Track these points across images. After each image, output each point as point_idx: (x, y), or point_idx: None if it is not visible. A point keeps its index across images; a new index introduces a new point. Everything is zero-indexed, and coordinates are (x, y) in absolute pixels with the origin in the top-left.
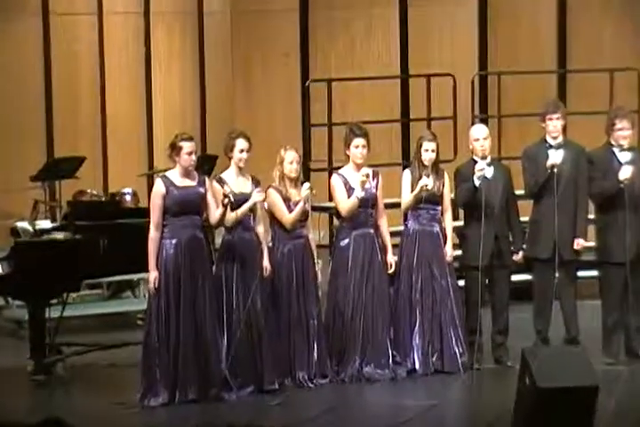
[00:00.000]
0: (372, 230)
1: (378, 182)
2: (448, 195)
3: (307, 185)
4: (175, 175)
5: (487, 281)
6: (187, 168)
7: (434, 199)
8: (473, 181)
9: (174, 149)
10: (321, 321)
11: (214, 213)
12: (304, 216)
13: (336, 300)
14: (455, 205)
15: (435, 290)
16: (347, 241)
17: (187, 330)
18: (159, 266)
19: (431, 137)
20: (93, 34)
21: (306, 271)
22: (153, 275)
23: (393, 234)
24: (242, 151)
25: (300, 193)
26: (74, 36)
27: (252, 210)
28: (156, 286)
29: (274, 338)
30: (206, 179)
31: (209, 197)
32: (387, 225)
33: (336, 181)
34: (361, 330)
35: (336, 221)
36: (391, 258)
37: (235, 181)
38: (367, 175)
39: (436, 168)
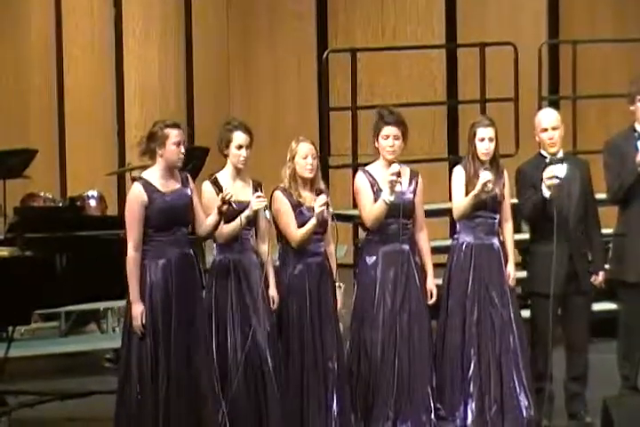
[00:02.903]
0: (406, 247)
1: (417, 186)
2: (508, 200)
3: (322, 198)
4: (155, 176)
5: (560, 312)
6: (173, 164)
7: (494, 205)
8: (541, 190)
9: (155, 139)
10: (343, 365)
11: (204, 222)
12: (322, 228)
13: (361, 336)
14: (519, 216)
15: (494, 323)
16: (374, 259)
17: (180, 381)
18: (143, 296)
19: (488, 122)
20: None
21: (323, 299)
22: (138, 309)
23: (438, 250)
24: (240, 147)
25: (314, 206)
26: None
27: (254, 222)
28: (144, 322)
29: (282, 388)
30: (188, 176)
31: (195, 201)
32: (428, 241)
33: (361, 180)
34: (394, 376)
35: (362, 234)
36: (432, 284)
37: (231, 186)
38: (398, 173)
39: (495, 164)
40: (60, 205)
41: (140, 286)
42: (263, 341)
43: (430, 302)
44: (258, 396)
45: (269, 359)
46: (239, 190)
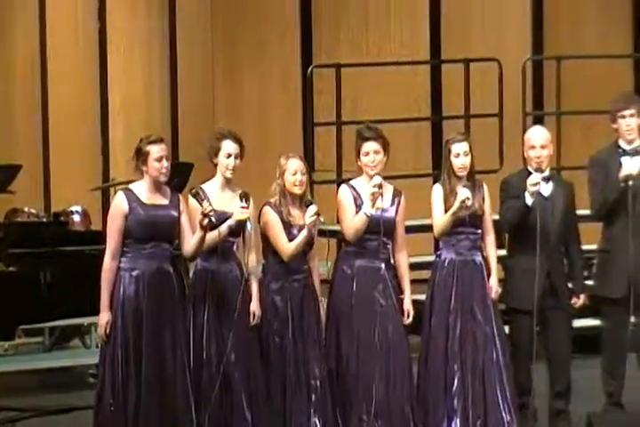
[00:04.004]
0: (382, 265)
1: (399, 205)
2: (489, 213)
3: (312, 209)
4: (141, 189)
5: (539, 328)
6: (157, 179)
7: (474, 220)
8: (524, 198)
9: (140, 155)
10: (326, 383)
11: (189, 242)
12: (308, 246)
13: (338, 352)
14: (499, 227)
15: (477, 338)
16: (349, 271)
17: (151, 393)
18: (114, 306)
19: (461, 137)
20: (32, 5)
21: (306, 316)
22: (105, 317)
23: (421, 266)
24: (229, 156)
25: (305, 217)
26: (6, 6)
27: (239, 233)
28: (108, 332)
29: (262, 406)
30: (180, 198)
31: (183, 220)
32: (407, 262)
33: (344, 193)
34: (372, 393)
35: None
36: (409, 305)
37: (218, 196)
38: (380, 186)
39: (472, 178)
40: (44, 220)
41: (113, 295)
42: (237, 355)
43: (407, 322)
44: (234, 414)
45: (247, 376)
46: (227, 201)
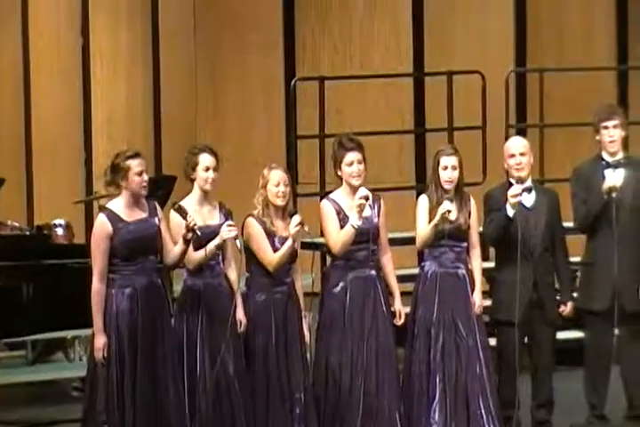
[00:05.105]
0: (374, 272)
1: (380, 210)
2: (475, 227)
3: (297, 219)
4: (120, 206)
5: (526, 340)
6: (137, 194)
7: (458, 233)
8: (506, 209)
9: (118, 170)
10: (310, 394)
11: (171, 251)
12: (291, 258)
13: (328, 364)
14: (484, 240)
15: (460, 351)
16: (341, 286)
17: (148, 411)
18: (108, 327)
19: (451, 151)
20: (14, 19)
21: (290, 328)
22: (101, 341)
23: (405, 278)
24: (207, 169)
25: (289, 228)
26: None
27: (222, 248)
28: (106, 354)
29: (248, 419)
30: (156, 205)
31: (163, 229)
32: (392, 264)
33: (327, 207)
34: (361, 404)
35: (329, 262)
36: (400, 305)
37: (198, 211)
38: (366, 197)
39: (459, 192)
40: (27, 233)
41: (105, 315)
42: (232, 368)
43: (399, 323)
44: (226, 424)
45: (237, 386)
46: (206, 215)
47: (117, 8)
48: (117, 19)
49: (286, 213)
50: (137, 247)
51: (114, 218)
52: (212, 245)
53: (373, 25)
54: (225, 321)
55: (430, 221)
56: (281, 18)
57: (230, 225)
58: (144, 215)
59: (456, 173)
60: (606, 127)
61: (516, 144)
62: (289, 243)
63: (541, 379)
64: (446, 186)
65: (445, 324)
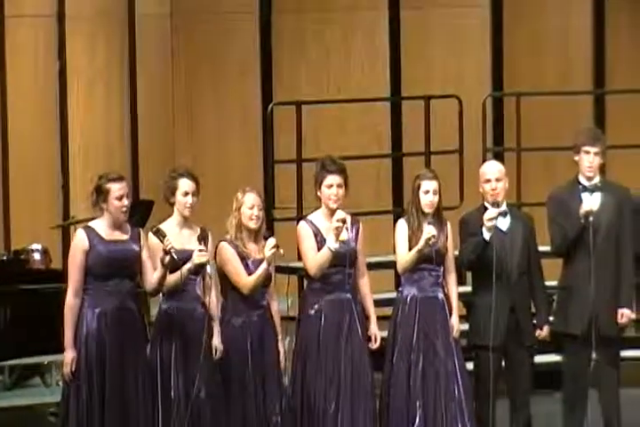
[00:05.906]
0: (349, 296)
1: (358, 233)
2: (452, 251)
3: (272, 241)
4: (101, 226)
5: (502, 364)
6: (118, 217)
7: (437, 257)
8: (481, 233)
9: (100, 193)
10: (288, 418)
11: (151, 277)
12: (267, 281)
13: (303, 389)
14: (459, 265)
15: (438, 374)
16: (316, 308)
17: None
18: (78, 343)
19: (432, 175)
20: None
21: (267, 352)
22: (70, 355)
23: (382, 302)
24: (187, 194)
25: (264, 251)
26: None
27: (199, 272)
28: (74, 369)
29: None
30: (141, 232)
31: (144, 256)
32: (369, 287)
33: (304, 229)
34: None
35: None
36: (375, 329)
37: (177, 235)
38: (343, 220)
39: (438, 216)
40: (4, 258)
41: (76, 333)
42: (204, 392)
43: (374, 346)
44: None
45: (209, 411)
46: (185, 239)
47: (94, 33)
48: (94, 43)
49: (260, 236)
50: (111, 267)
51: (92, 235)
52: (184, 269)
53: (350, 49)
54: (199, 346)
55: (411, 245)
56: (258, 43)
57: (202, 250)
58: (125, 238)
59: (436, 198)
60: (587, 152)
61: (492, 169)
62: (264, 266)
63: (519, 403)
64: (427, 210)
65: (425, 348)
